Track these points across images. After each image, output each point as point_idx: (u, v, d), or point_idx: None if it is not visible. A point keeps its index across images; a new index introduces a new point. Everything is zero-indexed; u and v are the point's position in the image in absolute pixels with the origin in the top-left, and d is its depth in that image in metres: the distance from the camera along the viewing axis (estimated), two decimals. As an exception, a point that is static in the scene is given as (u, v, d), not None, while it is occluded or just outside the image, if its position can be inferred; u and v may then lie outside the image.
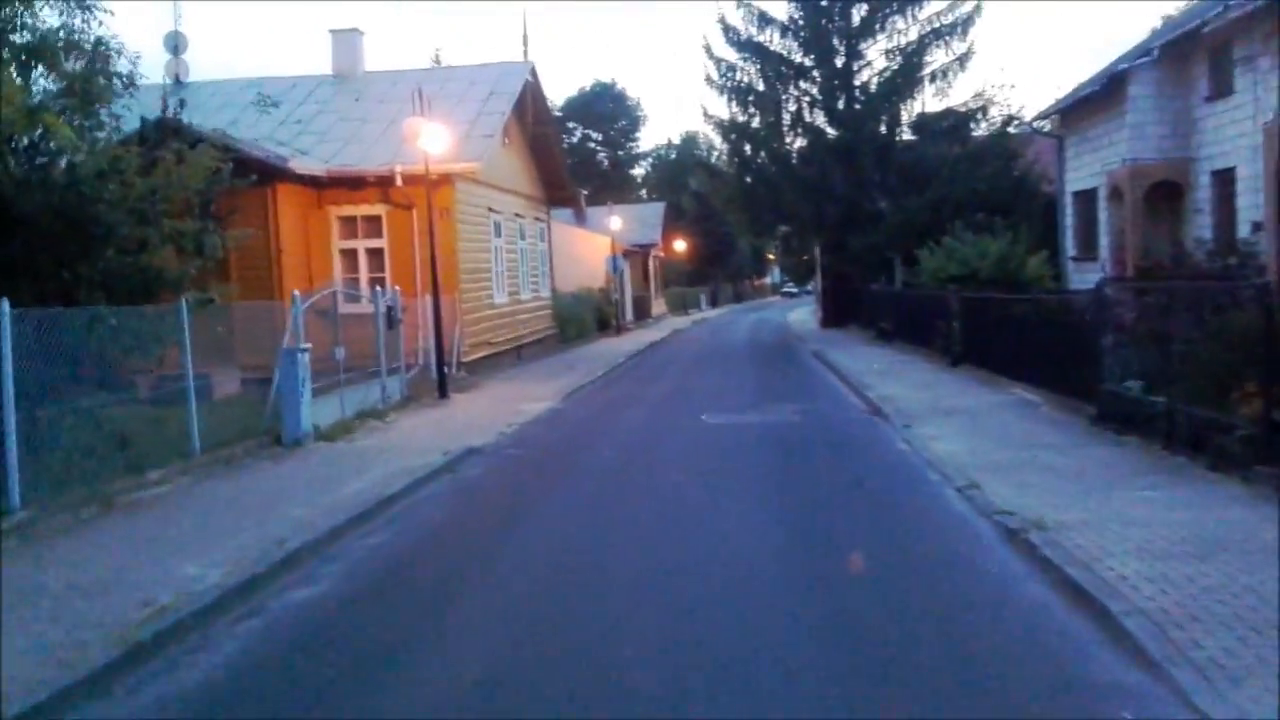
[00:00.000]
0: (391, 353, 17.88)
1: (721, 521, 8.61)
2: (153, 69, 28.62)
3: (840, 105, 35.96)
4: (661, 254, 62.98)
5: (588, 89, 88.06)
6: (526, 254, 28.74)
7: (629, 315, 48.36)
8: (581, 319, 36.50)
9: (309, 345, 13.77)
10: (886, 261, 35.69)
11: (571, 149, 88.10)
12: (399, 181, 21.03)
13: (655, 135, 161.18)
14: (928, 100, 37.07)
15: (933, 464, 10.69)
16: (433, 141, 18.77)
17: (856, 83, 36.36)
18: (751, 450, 12.33)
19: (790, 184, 35.49)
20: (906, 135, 36.33)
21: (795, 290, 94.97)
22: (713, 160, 48.74)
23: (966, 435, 12.21)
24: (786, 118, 36.84)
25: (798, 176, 35.37)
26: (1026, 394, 15.18)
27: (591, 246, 45.69)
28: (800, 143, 36.98)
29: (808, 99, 36.68)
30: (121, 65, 13.91)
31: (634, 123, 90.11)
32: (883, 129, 35.50)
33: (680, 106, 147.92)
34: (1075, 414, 12.96)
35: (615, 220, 44.43)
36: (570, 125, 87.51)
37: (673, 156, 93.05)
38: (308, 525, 8.40)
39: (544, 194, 31.49)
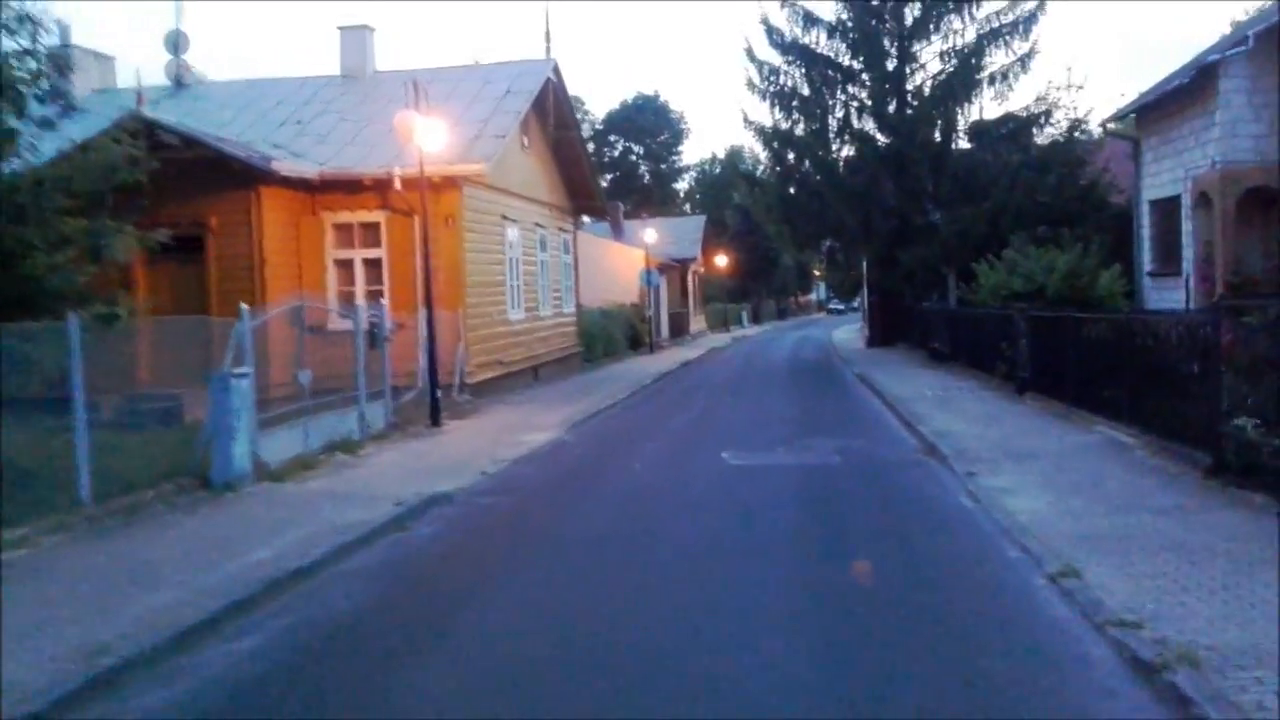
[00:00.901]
0: (375, 375, 15.76)
1: (726, 636, 6.19)
2: (153, 71, 26.76)
3: (891, 110, 33.54)
4: (702, 269, 60.70)
5: (630, 101, 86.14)
6: (548, 267, 26.58)
7: (664, 333, 46.09)
8: (610, 336, 34.29)
9: (248, 369, 11.63)
10: (939, 277, 33.26)
11: (612, 162, 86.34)
12: (397, 185, 18.95)
13: (699, 150, 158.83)
14: (986, 104, 34.69)
15: (1010, 532, 8.26)
16: (429, 138, 16.69)
17: (909, 87, 33.97)
18: (777, 507, 9.92)
19: (836, 194, 33.09)
20: (962, 143, 33.87)
21: (841, 307, 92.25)
22: (756, 172, 46.32)
23: (1048, 489, 9.77)
24: (833, 124, 34.46)
25: (844, 186, 32.95)
26: (1114, 433, 12.67)
27: (626, 260, 43.53)
28: (847, 150, 34.58)
29: (856, 104, 34.30)
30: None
31: (677, 136, 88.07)
32: (937, 135, 32.96)
33: (724, 119, 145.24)
34: (1181, 462, 10.47)
35: (650, 233, 42.22)
36: (611, 138, 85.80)
37: (717, 171, 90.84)
38: (160, 621, 6.18)
39: (569, 203, 29.35)
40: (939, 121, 32.95)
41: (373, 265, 20.14)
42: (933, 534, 8.56)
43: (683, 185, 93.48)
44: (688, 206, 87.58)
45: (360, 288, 20.07)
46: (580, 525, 9.33)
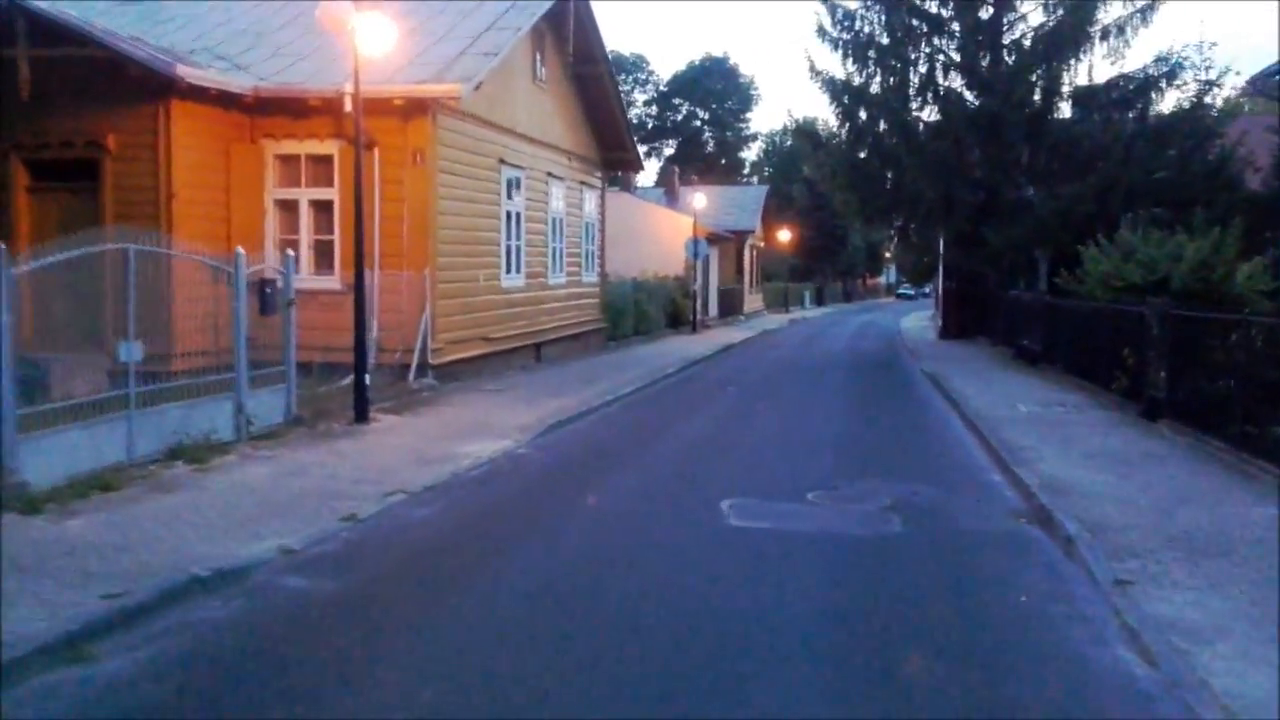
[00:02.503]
0: (268, 349, 11.72)
1: None
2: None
3: (984, 67, 28.69)
4: (762, 243, 55.95)
5: (696, 63, 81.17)
6: (562, 226, 22.32)
7: (712, 311, 41.65)
8: (643, 312, 30.01)
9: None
10: (1030, 262, 28.56)
11: (675, 127, 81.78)
12: (348, 106, 14.80)
13: (770, 120, 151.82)
14: (1096, 62, 29.76)
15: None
16: (368, 35, 12.49)
17: (1006, 40, 29.04)
18: (781, 651, 5.50)
19: (915, 160, 28.38)
20: (1064, 109, 28.91)
21: (911, 292, 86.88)
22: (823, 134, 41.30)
23: (1281, 639, 5.34)
24: (915, 79, 29.66)
25: (925, 151, 28.17)
26: (1336, 508, 8.12)
27: (675, 229, 39.10)
28: (930, 111, 29.78)
29: (942, 58, 29.49)
30: None
31: (745, 101, 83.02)
32: (1036, 97, 28.03)
33: (798, 88, 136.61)
34: None
35: (700, 198, 37.76)
36: (675, 101, 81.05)
37: (787, 144, 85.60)
38: None
39: (598, 154, 25.02)
40: (1040, 81, 28.05)
41: (324, 209, 16.08)
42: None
43: (749, 155, 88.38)
44: (755, 179, 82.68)
45: (306, 236, 16.07)
46: (405, 689, 5.00)
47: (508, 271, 19.12)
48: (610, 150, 25.35)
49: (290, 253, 12.02)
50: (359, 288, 12.53)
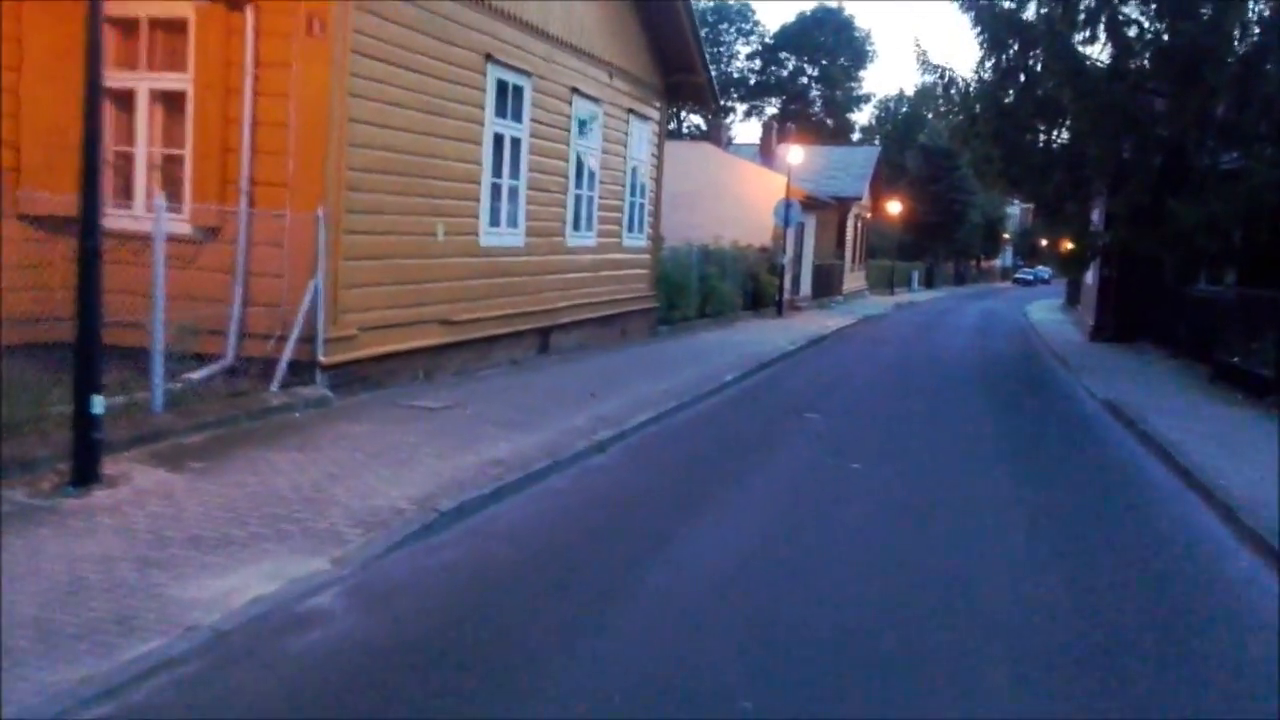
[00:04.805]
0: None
1: None
2: None
3: (1179, -11, 21.67)
4: (869, 214, 48.87)
5: (807, 14, 73.65)
6: (594, 167, 16.13)
7: (804, 289, 35.05)
8: (713, 289, 23.69)
9: None
10: (1227, 248, 21.55)
11: (779, 84, 74.57)
12: (185, -75, 8.81)
13: (884, 84, 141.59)
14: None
15: None
16: None
17: (1209, -45, 21.82)
18: None
19: (1080, 107, 21.59)
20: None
21: (1029, 277, 78.58)
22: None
23: None
24: (1083, 4, 22.73)
25: (1095, 95, 21.27)
26: None
27: (766, 190, 32.47)
28: (1102, 47, 22.81)
29: (1121, -21, 22.48)
30: None
31: (859, 59, 75.14)
32: (1255, 31, 21.01)
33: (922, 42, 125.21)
34: None
35: (796, 151, 31.08)
36: (781, 55, 73.67)
37: (904, 110, 77.85)
38: None
39: (655, 77, 18.70)
40: (1257, 10, 20.98)
41: (174, 106, 10.17)
42: None
43: (860, 119, 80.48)
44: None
45: (145, 148, 10.20)
46: None
47: (494, 224, 13.03)
48: (673, 73, 18.98)
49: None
50: (86, 228, 6.56)
